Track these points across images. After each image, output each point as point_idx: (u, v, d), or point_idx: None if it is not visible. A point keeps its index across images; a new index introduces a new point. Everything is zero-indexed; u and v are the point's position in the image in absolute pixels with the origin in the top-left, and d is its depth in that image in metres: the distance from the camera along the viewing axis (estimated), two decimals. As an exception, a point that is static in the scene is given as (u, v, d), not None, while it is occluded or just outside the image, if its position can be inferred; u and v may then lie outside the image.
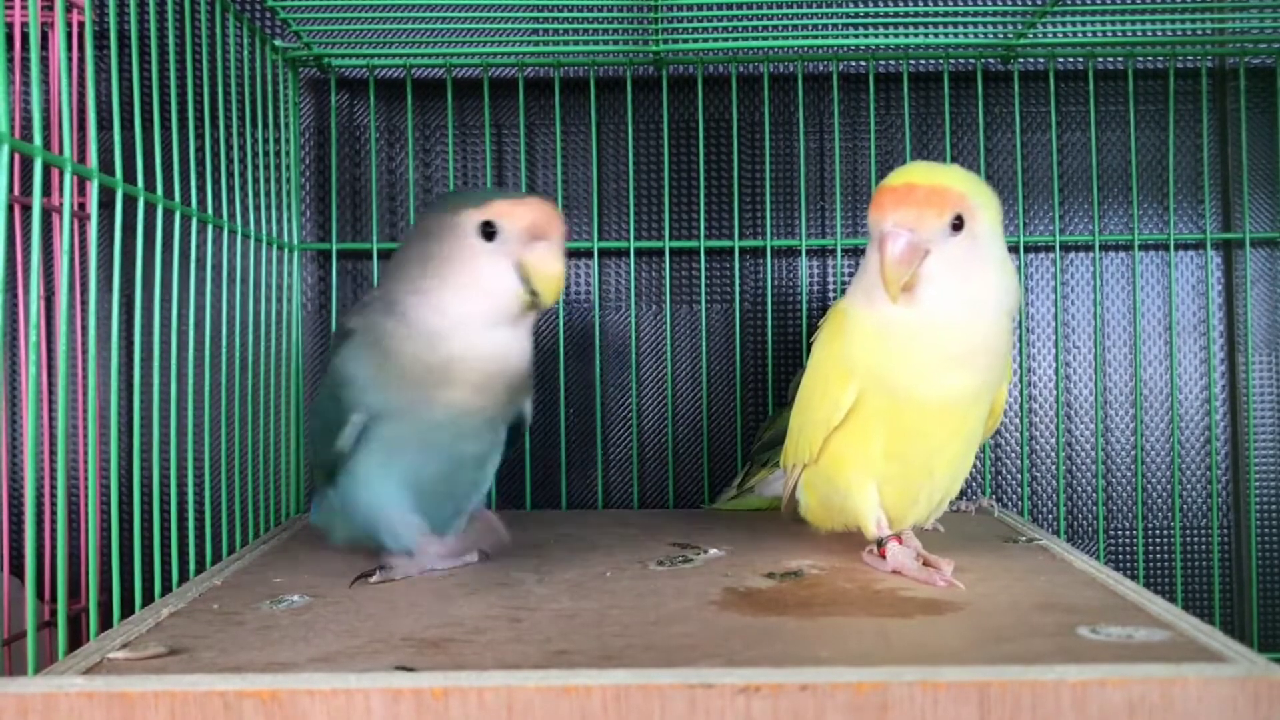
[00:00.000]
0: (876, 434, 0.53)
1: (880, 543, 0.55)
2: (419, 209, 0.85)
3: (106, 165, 0.54)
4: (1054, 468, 0.86)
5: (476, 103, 0.87)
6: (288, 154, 0.81)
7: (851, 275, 0.86)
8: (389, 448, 0.57)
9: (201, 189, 0.68)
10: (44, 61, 0.80)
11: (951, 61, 0.85)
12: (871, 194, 0.83)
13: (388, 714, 0.37)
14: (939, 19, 0.80)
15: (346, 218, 0.87)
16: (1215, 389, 0.86)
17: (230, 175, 0.70)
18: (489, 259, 0.54)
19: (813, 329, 0.61)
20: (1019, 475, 0.86)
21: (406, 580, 0.56)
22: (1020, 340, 0.86)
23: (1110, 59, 0.85)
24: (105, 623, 0.50)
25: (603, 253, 0.86)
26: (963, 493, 0.86)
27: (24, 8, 0.75)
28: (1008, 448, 0.86)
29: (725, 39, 0.79)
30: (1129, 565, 0.85)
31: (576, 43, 0.80)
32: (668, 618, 0.48)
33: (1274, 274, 0.86)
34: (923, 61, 0.86)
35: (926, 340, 0.52)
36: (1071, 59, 0.85)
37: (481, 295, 0.54)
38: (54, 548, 0.74)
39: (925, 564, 0.51)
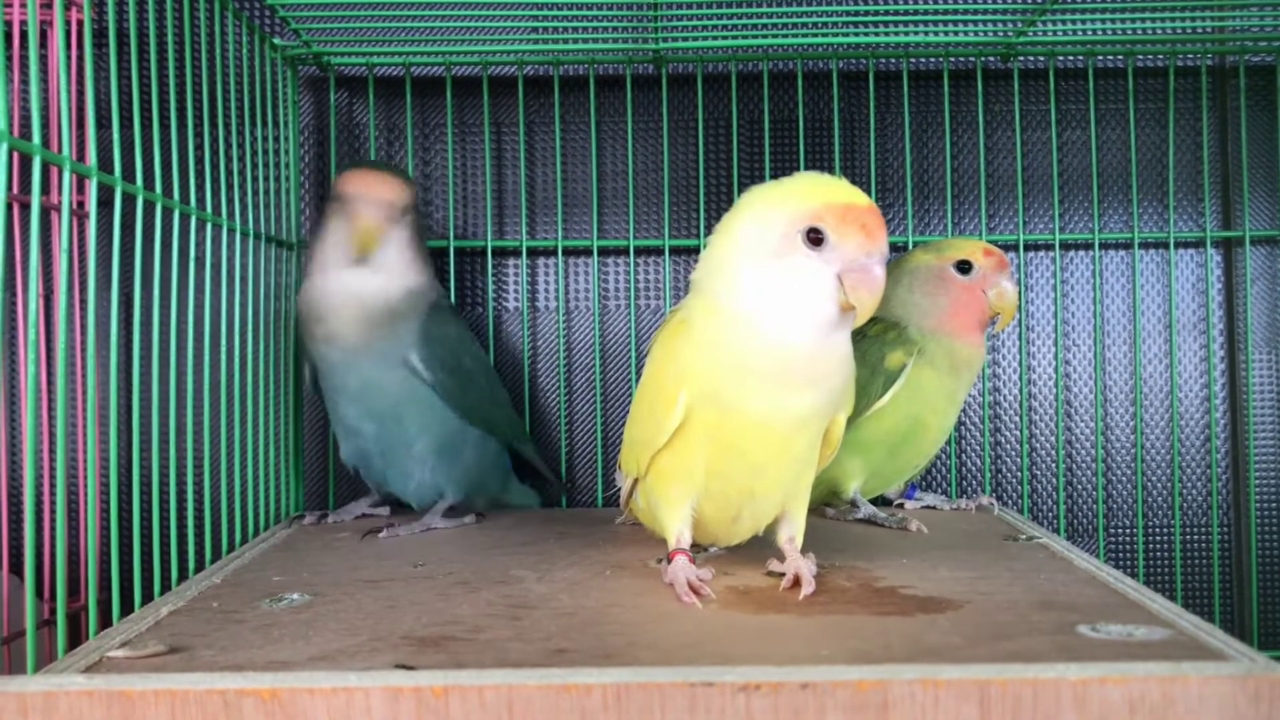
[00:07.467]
0: (701, 449, 0.52)
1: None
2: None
3: (105, 163, 0.54)
4: (1054, 466, 0.86)
5: (476, 101, 0.87)
6: (287, 152, 0.81)
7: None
8: None
9: (201, 187, 0.68)
10: (43, 60, 0.80)
11: (951, 60, 0.85)
12: (871, 193, 0.85)
13: (388, 712, 0.37)
14: (939, 17, 0.80)
15: (346, 216, 0.87)
16: (1215, 387, 0.86)
17: (230, 173, 0.70)
18: None
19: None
20: (1019, 473, 0.86)
21: (406, 579, 0.56)
22: (1020, 339, 0.86)
23: (1110, 57, 0.85)
24: (105, 621, 0.50)
25: (602, 251, 0.86)
26: (963, 490, 0.86)
27: (23, 6, 0.75)
28: (1008, 446, 0.86)
29: (725, 37, 0.79)
30: (1129, 563, 0.85)
31: (576, 41, 0.80)
32: (667, 616, 0.48)
33: (1274, 272, 0.86)
34: (922, 60, 0.86)
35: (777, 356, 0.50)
36: (1071, 57, 0.85)
37: None
38: (53, 546, 0.74)
39: (692, 587, 0.51)
